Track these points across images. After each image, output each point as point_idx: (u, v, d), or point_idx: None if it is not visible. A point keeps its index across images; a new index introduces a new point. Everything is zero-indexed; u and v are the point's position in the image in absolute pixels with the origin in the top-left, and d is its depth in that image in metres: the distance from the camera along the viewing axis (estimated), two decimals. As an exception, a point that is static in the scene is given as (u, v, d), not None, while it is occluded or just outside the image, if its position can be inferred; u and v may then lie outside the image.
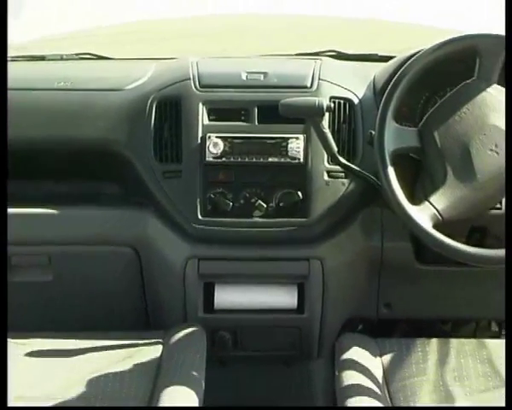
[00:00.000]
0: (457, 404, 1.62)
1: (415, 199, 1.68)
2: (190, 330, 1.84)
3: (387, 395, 1.67)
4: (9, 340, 1.79)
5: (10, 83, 1.99)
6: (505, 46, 1.63)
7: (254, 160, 1.90)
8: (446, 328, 2.25)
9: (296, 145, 1.90)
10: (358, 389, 1.64)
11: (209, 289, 1.96)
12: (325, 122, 1.82)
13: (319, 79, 1.97)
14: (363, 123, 1.92)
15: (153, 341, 1.81)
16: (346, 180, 1.91)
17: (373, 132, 1.71)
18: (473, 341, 1.87)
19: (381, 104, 1.70)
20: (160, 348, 1.78)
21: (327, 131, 1.80)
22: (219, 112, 1.94)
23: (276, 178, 1.91)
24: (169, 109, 1.94)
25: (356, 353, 1.79)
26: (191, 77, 1.98)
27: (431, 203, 1.65)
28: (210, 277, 1.96)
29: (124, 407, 1.47)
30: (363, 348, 1.81)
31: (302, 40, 2.58)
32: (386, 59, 2.06)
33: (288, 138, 1.90)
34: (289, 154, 1.90)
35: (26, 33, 2.69)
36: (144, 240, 1.97)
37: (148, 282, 2.01)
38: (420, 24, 2.80)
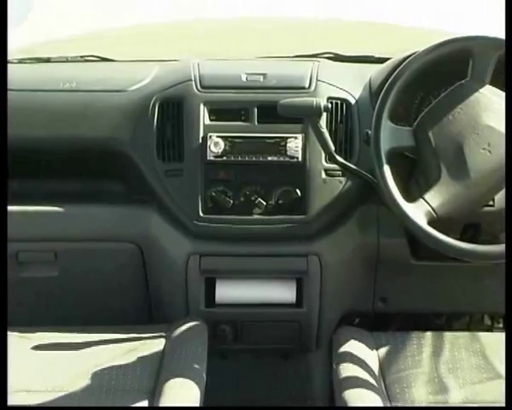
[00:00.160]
0: (451, 395, 1.62)
1: (410, 196, 1.68)
2: (192, 324, 1.84)
3: (383, 387, 1.67)
4: (16, 334, 1.80)
5: (18, 84, 2.02)
6: (505, 46, 1.62)
7: (254, 159, 1.90)
8: (440, 322, 2.25)
9: (295, 144, 1.90)
10: (355, 381, 1.64)
11: (210, 284, 1.96)
12: (323, 122, 1.82)
13: (317, 80, 1.97)
14: (360, 123, 1.92)
15: (156, 334, 1.81)
16: (343, 178, 1.91)
17: (369, 132, 1.71)
18: (466, 334, 1.87)
19: (377, 104, 1.70)
20: (162, 341, 1.78)
21: (324, 130, 1.80)
22: (220, 112, 1.94)
23: (275, 177, 1.91)
24: (171, 110, 1.94)
25: (353, 346, 1.79)
26: (193, 78, 1.97)
27: (425, 201, 1.65)
28: (211, 272, 1.96)
29: (124, 407, 1.47)
30: (360, 342, 1.81)
31: (300, 42, 2.57)
32: (381, 60, 2.06)
33: (287, 138, 1.90)
34: (288, 153, 1.90)
35: (32, 36, 2.69)
36: (147, 237, 1.97)
37: (151, 277, 2.01)
38: (415, 27, 2.80)
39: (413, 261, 1.99)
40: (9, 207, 1.94)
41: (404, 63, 1.72)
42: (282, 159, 1.90)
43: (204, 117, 1.92)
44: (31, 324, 1.85)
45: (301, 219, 1.90)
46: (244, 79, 1.99)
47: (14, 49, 2.41)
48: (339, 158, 1.84)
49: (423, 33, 2.63)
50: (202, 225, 1.90)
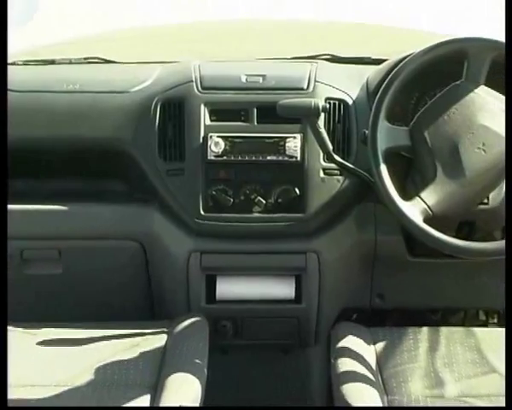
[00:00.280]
0: (447, 389, 1.62)
1: (406, 195, 1.68)
2: (193, 319, 1.84)
3: (380, 381, 1.67)
4: (20, 330, 1.80)
5: (23, 85, 2.02)
6: (505, 47, 1.62)
7: (254, 158, 1.90)
8: (436, 317, 2.25)
9: (293, 144, 1.90)
10: (353, 376, 1.65)
11: (211, 281, 1.96)
12: (321, 122, 1.82)
13: (315, 81, 1.97)
14: (357, 123, 1.92)
15: (158, 330, 1.81)
16: (340, 177, 1.91)
17: (366, 132, 1.71)
18: (461, 329, 1.87)
19: (374, 105, 1.70)
20: (164, 337, 1.78)
21: (322, 130, 1.80)
22: (220, 113, 1.94)
23: (274, 176, 1.90)
24: (172, 110, 1.94)
25: (350, 341, 1.79)
26: (193, 79, 1.97)
27: (421, 199, 1.65)
28: (212, 269, 1.96)
29: (124, 407, 1.47)
30: (358, 337, 1.81)
31: (299, 44, 2.57)
32: (378, 62, 2.06)
33: (286, 138, 1.90)
34: (287, 152, 1.90)
35: (37, 39, 2.69)
36: (149, 235, 1.97)
37: (153, 274, 2.01)
38: (410, 28, 2.79)
39: (409, 258, 1.99)
40: (14, 206, 1.95)
41: (401, 64, 1.72)
42: (281, 158, 1.90)
43: (204, 117, 1.92)
44: (35, 320, 1.85)
45: (300, 217, 1.90)
46: (244, 80, 1.99)
47: (18, 51, 2.41)
48: (337, 157, 1.83)
49: (419, 35, 2.63)
50: (203, 223, 1.90)
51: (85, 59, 2.27)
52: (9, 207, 1.93)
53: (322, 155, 1.89)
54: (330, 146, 1.82)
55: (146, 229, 1.97)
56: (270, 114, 1.86)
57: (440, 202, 1.66)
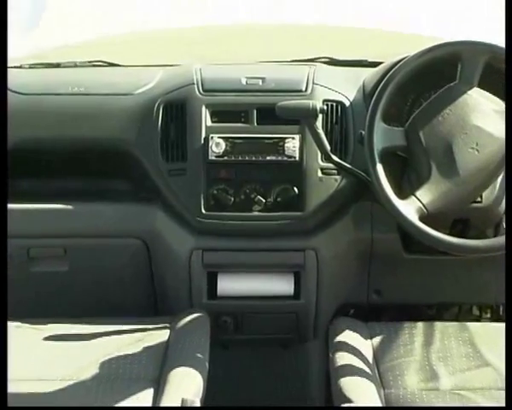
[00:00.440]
0: (442, 382, 1.62)
1: (402, 193, 1.68)
2: (195, 315, 1.84)
3: (377, 374, 1.67)
4: (27, 325, 1.80)
5: (29, 88, 2.02)
6: (505, 47, 1.62)
7: (254, 158, 1.90)
8: (431, 312, 2.25)
9: (292, 145, 1.89)
10: (351, 369, 1.65)
11: (212, 277, 1.96)
12: (319, 123, 1.81)
13: (313, 83, 1.97)
14: (354, 124, 1.92)
15: (160, 326, 1.81)
16: (338, 177, 1.91)
17: (363, 132, 1.71)
18: (455, 324, 1.87)
19: (371, 106, 1.70)
20: (167, 332, 1.78)
21: (320, 131, 1.80)
22: (221, 114, 1.94)
23: (273, 175, 1.90)
24: (175, 112, 1.94)
25: (348, 336, 1.79)
26: (195, 82, 1.97)
27: (417, 197, 1.65)
28: (213, 266, 1.96)
29: (125, 407, 1.47)
30: (355, 332, 1.81)
31: (298, 47, 2.57)
32: (374, 64, 2.06)
33: (285, 138, 1.90)
34: (286, 153, 1.90)
35: (43, 43, 2.69)
36: (152, 233, 1.97)
37: (156, 271, 2.01)
38: (406, 32, 2.79)
39: (405, 255, 1.99)
40: (21, 205, 1.95)
41: (396, 67, 1.72)
42: (280, 158, 1.90)
43: (206, 119, 1.92)
44: (41, 316, 1.85)
45: (299, 215, 1.90)
46: (244, 82, 1.99)
47: (25, 55, 2.41)
48: (334, 157, 1.83)
49: (414, 38, 2.62)
50: (205, 221, 1.90)
51: (90, 62, 2.27)
52: (16, 206, 1.94)
53: (320, 155, 1.89)
54: (328, 146, 1.82)
55: (149, 227, 1.97)
56: (270, 115, 1.86)
57: (435, 200, 1.66)
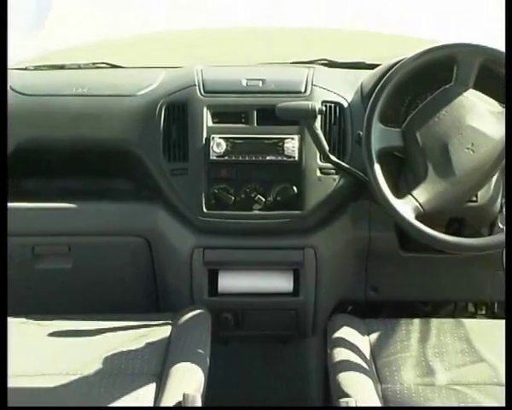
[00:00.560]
0: (438, 377, 1.62)
1: (399, 193, 1.68)
2: (196, 312, 1.83)
3: (374, 370, 1.67)
4: (31, 321, 1.80)
5: (34, 89, 2.02)
6: (505, 48, 1.61)
7: (254, 158, 1.90)
8: (427, 309, 2.25)
9: (291, 145, 1.89)
10: (348, 365, 1.64)
11: (213, 275, 1.96)
12: (318, 124, 1.82)
13: (312, 84, 1.97)
14: (352, 124, 1.92)
15: (163, 322, 1.81)
16: (336, 176, 1.91)
17: (361, 133, 1.71)
18: (451, 320, 1.87)
19: (368, 107, 1.70)
20: (169, 328, 1.78)
21: (319, 131, 1.80)
22: (222, 115, 1.94)
23: (273, 175, 1.90)
24: (176, 113, 1.94)
25: (346, 332, 1.79)
26: (196, 83, 1.97)
27: (413, 197, 1.65)
28: (214, 264, 1.96)
29: (126, 406, 1.47)
30: (353, 328, 1.81)
31: (297, 50, 2.57)
32: (372, 66, 2.06)
33: (284, 139, 1.90)
34: (285, 153, 1.90)
35: (47, 45, 2.69)
36: (155, 231, 1.97)
37: (158, 269, 2.01)
38: (403, 35, 2.78)
39: (402, 253, 1.99)
40: (25, 204, 1.96)
41: (393, 69, 1.72)
42: (279, 158, 1.90)
43: (207, 119, 1.92)
44: (45, 312, 1.85)
45: (298, 214, 1.90)
46: (244, 83, 1.99)
47: (30, 57, 2.41)
48: (333, 157, 1.84)
49: (411, 41, 2.62)
50: (206, 220, 1.90)
51: (93, 64, 2.27)
52: (21, 205, 1.95)
53: (318, 155, 1.89)
54: (326, 147, 1.82)
55: (151, 225, 1.97)
56: (270, 116, 1.86)
57: (431, 199, 1.66)
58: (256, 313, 2.00)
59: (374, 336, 1.80)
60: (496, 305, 2.22)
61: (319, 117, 1.84)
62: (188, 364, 1.60)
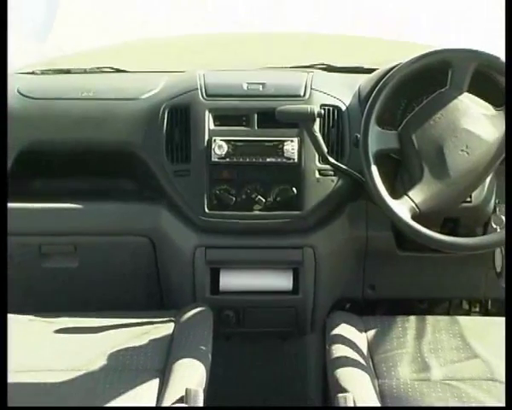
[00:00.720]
0: (433, 373, 1.62)
1: (395, 194, 1.68)
2: (199, 309, 1.83)
3: (372, 366, 1.67)
4: (38, 319, 1.80)
5: (41, 93, 2.03)
6: (505, 48, 1.61)
7: (254, 160, 1.90)
8: (423, 307, 2.25)
9: (291, 147, 1.90)
10: (346, 361, 1.64)
11: (215, 273, 1.96)
12: (316, 126, 1.82)
13: (311, 88, 1.97)
14: (350, 127, 1.92)
15: (166, 319, 1.81)
16: (334, 177, 1.91)
17: (358, 135, 1.71)
18: (446, 318, 1.87)
19: (366, 110, 1.70)
20: (172, 325, 1.78)
21: (318, 134, 1.81)
22: (223, 118, 1.94)
23: (273, 176, 1.90)
24: (179, 116, 1.94)
25: (344, 329, 1.79)
26: (198, 87, 1.97)
27: (409, 197, 1.65)
28: (216, 263, 1.96)
29: (128, 406, 1.47)
30: (351, 325, 1.81)
31: (296, 55, 2.57)
32: (369, 71, 2.06)
33: (284, 141, 1.90)
34: (285, 154, 1.90)
35: (54, 50, 2.69)
36: (158, 231, 1.97)
37: (162, 268, 2.01)
38: (400, 40, 2.78)
39: (398, 252, 1.99)
40: (32, 205, 1.96)
41: (390, 73, 1.72)
42: (279, 160, 1.90)
43: (209, 122, 1.92)
44: (52, 309, 1.85)
45: (297, 214, 1.90)
46: (245, 87, 1.99)
47: (38, 61, 2.42)
48: (331, 159, 1.84)
49: (408, 46, 2.62)
50: (208, 220, 1.90)
51: (98, 68, 2.27)
52: (28, 205, 1.95)
53: (317, 156, 1.89)
54: (325, 149, 1.82)
55: (154, 225, 1.97)
56: (270, 119, 1.86)
57: (427, 200, 1.66)
58: (257, 311, 2.00)
59: (371, 332, 1.80)
60: (490, 303, 2.22)
61: (318, 120, 1.84)
62: (190, 360, 1.60)
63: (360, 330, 1.80)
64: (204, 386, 1.56)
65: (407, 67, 1.71)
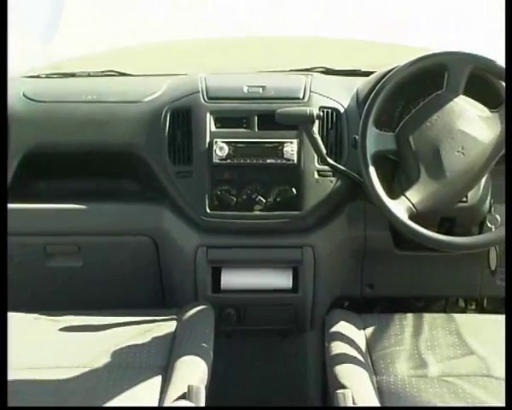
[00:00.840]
0: (430, 369, 1.62)
1: (393, 194, 1.68)
2: (200, 307, 1.83)
3: (370, 362, 1.67)
4: (43, 317, 1.80)
5: (46, 96, 2.03)
6: (505, 48, 1.61)
7: (255, 161, 1.90)
8: (420, 304, 2.25)
9: (291, 148, 1.89)
10: (345, 358, 1.64)
11: (216, 272, 1.96)
12: (315, 128, 1.82)
13: (310, 91, 1.97)
14: (348, 129, 1.92)
15: (168, 317, 1.81)
16: (333, 178, 1.91)
17: (356, 137, 1.71)
18: (443, 315, 1.87)
19: (363, 113, 1.70)
20: (174, 323, 1.78)
21: (317, 136, 1.80)
22: (224, 120, 1.94)
23: (273, 177, 1.90)
24: (181, 118, 1.94)
25: (343, 326, 1.79)
26: (200, 90, 1.97)
27: (407, 197, 1.65)
28: (217, 262, 1.96)
29: (130, 406, 1.47)
30: (349, 323, 1.81)
31: (295, 58, 2.56)
32: (367, 74, 2.06)
33: (284, 143, 1.90)
34: (285, 156, 1.90)
35: (59, 54, 2.69)
36: (160, 231, 1.97)
37: (164, 267, 2.01)
38: (397, 43, 2.78)
39: (396, 251, 1.99)
40: (37, 205, 1.96)
41: (387, 76, 1.72)
42: (279, 161, 1.90)
43: (210, 124, 1.92)
44: (56, 308, 1.85)
45: (297, 214, 1.90)
46: (246, 90, 1.99)
47: (42, 65, 2.42)
48: (330, 160, 1.84)
49: (405, 49, 2.62)
50: (209, 220, 1.90)
51: (102, 72, 2.27)
52: (33, 206, 1.95)
53: (316, 158, 1.89)
54: (324, 150, 1.82)
55: (157, 226, 1.97)
56: (270, 121, 1.86)
57: (424, 200, 1.66)
58: (257, 309, 2.00)
59: (369, 330, 1.80)
60: (485, 300, 2.22)
61: (317, 122, 1.84)
62: (192, 357, 1.60)
63: (359, 328, 1.80)
64: (206, 383, 1.56)
65: (404, 69, 1.71)
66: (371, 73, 2.02)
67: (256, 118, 1.93)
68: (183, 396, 1.45)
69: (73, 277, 2.03)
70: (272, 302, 1.99)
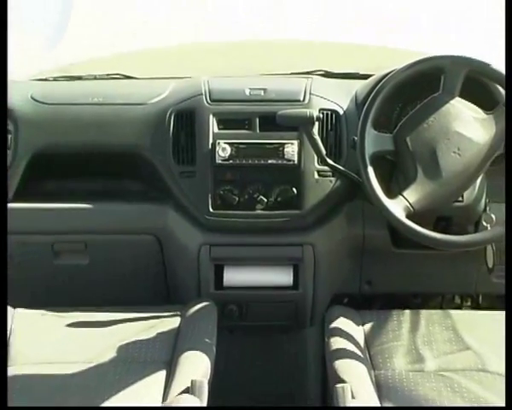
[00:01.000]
0: (427, 364, 1.62)
1: (390, 194, 1.68)
2: (203, 304, 1.83)
3: (368, 357, 1.67)
4: (51, 313, 1.80)
5: (53, 98, 2.03)
6: (505, 48, 1.61)
7: (256, 162, 1.90)
8: (417, 301, 2.25)
9: (291, 149, 1.89)
10: (344, 353, 1.64)
11: (219, 270, 1.96)
12: (315, 130, 1.82)
13: (310, 93, 1.97)
14: (347, 130, 1.92)
15: (172, 313, 1.81)
16: (333, 178, 1.91)
17: (355, 138, 1.71)
18: (439, 312, 1.86)
19: (362, 114, 1.70)
20: (178, 319, 1.78)
21: (317, 137, 1.80)
22: (227, 122, 1.93)
23: (274, 177, 1.90)
24: (185, 120, 1.94)
25: (342, 322, 1.78)
26: (203, 93, 1.97)
27: (404, 197, 1.65)
28: (220, 260, 1.96)
29: (132, 406, 1.47)
30: (348, 319, 1.80)
31: (296, 61, 2.56)
32: (366, 77, 2.05)
33: (285, 144, 1.90)
34: (285, 156, 1.89)
35: (66, 58, 2.69)
36: (165, 229, 1.97)
37: (168, 264, 2.01)
38: (394, 48, 2.77)
39: (394, 249, 1.99)
40: (45, 205, 1.96)
41: (385, 79, 1.72)
42: (280, 162, 1.89)
43: (213, 126, 1.92)
44: (63, 305, 1.85)
45: (297, 213, 1.90)
46: (247, 93, 1.98)
47: (50, 68, 2.42)
48: (329, 161, 1.83)
49: (401, 53, 2.62)
50: (212, 219, 1.90)
51: (108, 75, 2.27)
52: (41, 205, 1.96)
53: (316, 158, 1.88)
54: (324, 151, 1.82)
55: (161, 224, 1.97)
56: (271, 122, 1.86)
57: (421, 199, 1.65)
58: (259, 305, 2.00)
59: (368, 326, 1.79)
60: (480, 297, 2.21)
61: (317, 123, 1.84)
62: (195, 352, 1.60)
63: (357, 324, 1.80)
64: (209, 377, 1.56)
65: (401, 72, 1.71)
66: (369, 76, 2.01)
67: (258, 119, 1.92)
68: (186, 390, 1.45)
69: (80, 274, 2.03)
70: (273, 299, 1.99)
